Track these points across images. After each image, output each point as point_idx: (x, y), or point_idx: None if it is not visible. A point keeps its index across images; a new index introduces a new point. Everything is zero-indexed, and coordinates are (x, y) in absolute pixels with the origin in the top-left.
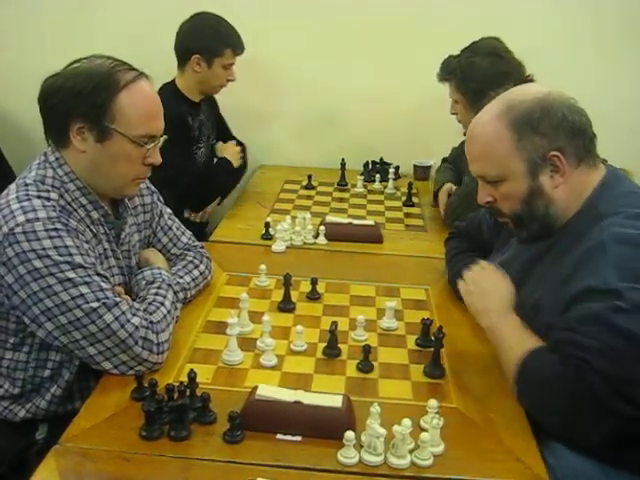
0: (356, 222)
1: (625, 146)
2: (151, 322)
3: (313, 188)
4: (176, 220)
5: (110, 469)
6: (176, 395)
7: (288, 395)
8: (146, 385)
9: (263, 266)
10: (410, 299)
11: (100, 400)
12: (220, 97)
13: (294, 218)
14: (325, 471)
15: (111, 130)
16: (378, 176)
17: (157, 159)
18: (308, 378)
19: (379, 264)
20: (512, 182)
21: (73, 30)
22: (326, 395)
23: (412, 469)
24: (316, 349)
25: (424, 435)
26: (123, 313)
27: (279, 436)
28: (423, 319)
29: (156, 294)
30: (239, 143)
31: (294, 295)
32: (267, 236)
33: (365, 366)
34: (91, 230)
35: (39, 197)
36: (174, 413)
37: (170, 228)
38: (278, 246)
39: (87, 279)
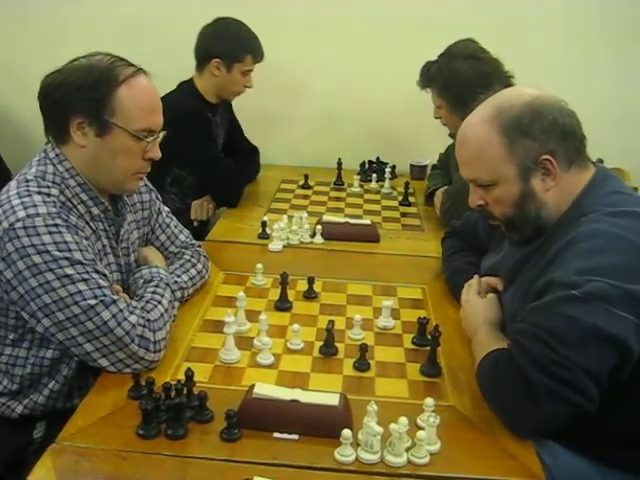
0: (353, 221)
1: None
2: (148, 320)
3: (310, 188)
4: (174, 218)
5: (107, 468)
6: (173, 394)
7: (285, 394)
8: (143, 384)
9: (260, 265)
10: (406, 298)
11: (97, 399)
12: None
13: (291, 217)
14: (322, 469)
15: (111, 124)
16: (374, 176)
17: (157, 154)
18: (305, 377)
19: (376, 263)
20: (504, 186)
21: (72, 30)
22: (323, 393)
23: (409, 467)
24: (313, 348)
25: (420, 433)
26: (120, 311)
27: (276, 434)
28: (419, 318)
29: (154, 292)
30: (252, 147)
31: (291, 294)
32: (264, 235)
33: (362, 365)
34: (90, 226)
35: (40, 193)
36: (171, 412)
37: (168, 226)
38: (275, 245)
39: (85, 276)
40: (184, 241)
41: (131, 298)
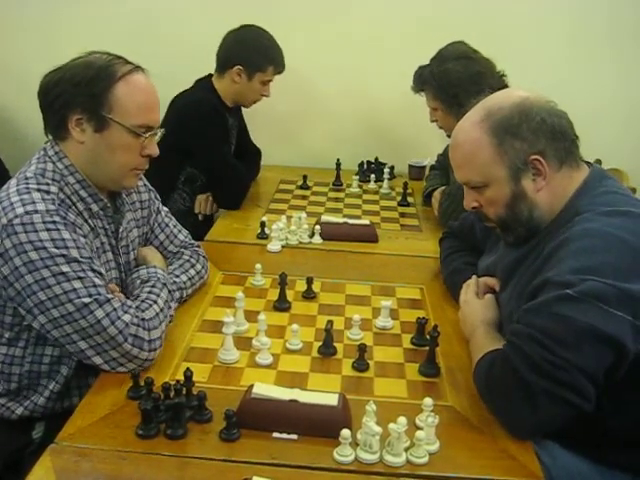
0: (351, 222)
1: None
2: (142, 319)
3: (308, 188)
4: (173, 218)
5: (106, 468)
6: (172, 394)
7: (284, 394)
8: (142, 384)
9: (259, 265)
10: (405, 298)
11: (96, 399)
12: None
13: (290, 218)
14: (321, 469)
15: (109, 120)
16: (373, 176)
17: (154, 150)
18: (304, 377)
19: (374, 263)
20: (495, 187)
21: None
22: (322, 393)
23: (407, 467)
24: (312, 348)
25: (419, 433)
26: (114, 310)
27: (275, 434)
28: (418, 318)
29: (150, 292)
30: (255, 149)
31: (290, 294)
32: (263, 235)
33: (360, 365)
34: (89, 224)
35: (39, 190)
36: (170, 412)
37: (167, 225)
38: (274, 245)
39: (81, 274)
40: (183, 240)
41: (127, 298)
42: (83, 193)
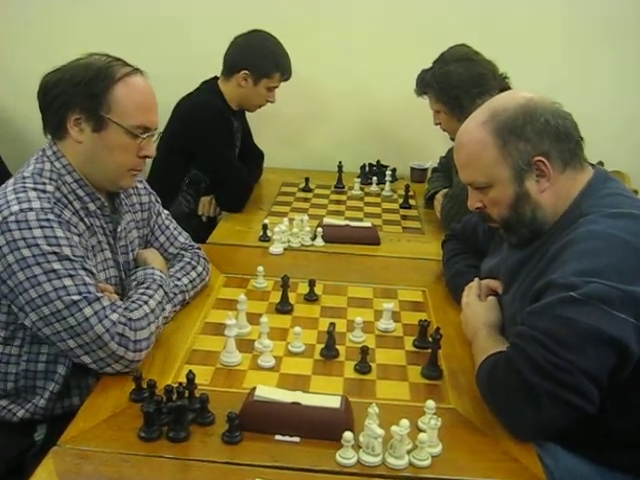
0: (353, 224)
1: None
2: (130, 319)
3: (310, 191)
4: (173, 221)
5: (109, 470)
6: (175, 396)
7: (286, 396)
8: (145, 386)
9: (261, 268)
10: (407, 301)
11: (99, 401)
12: None
13: (292, 220)
14: (323, 472)
15: (107, 120)
16: (375, 178)
17: (151, 151)
18: (306, 379)
19: (376, 266)
20: (499, 188)
21: (71, 31)
22: (324, 396)
23: (410, 469)
24: (314, 350)
25: (422, 436)
26: (103, 308)
27: (278, 437)
28: (420, 320)
29: (142, 293)
30: (258, 151)
31: (292, 297)
32: (265, 238)
33: (363, 367)
34: (85, 222)
35: (35, 189)
36: (173, 414)
37: (167, 227)
38: (276, 248)
39: (72, 272)
40: (183, 242)
41: (121, 299)
42: (80, 192)
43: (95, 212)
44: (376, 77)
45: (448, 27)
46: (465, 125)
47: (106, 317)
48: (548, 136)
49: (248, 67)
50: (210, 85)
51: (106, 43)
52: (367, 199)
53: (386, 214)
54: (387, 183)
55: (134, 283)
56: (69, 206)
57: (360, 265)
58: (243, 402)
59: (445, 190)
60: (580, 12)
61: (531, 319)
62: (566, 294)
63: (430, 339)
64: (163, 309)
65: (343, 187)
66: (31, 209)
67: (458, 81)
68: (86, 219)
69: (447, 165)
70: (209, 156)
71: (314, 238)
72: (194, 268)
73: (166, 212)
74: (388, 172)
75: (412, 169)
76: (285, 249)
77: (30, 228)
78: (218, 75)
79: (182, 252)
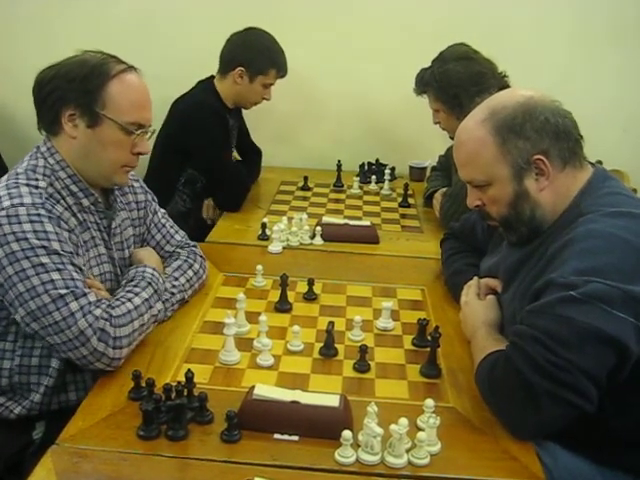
0: (352, 223)
1: (619, 146)
2: (111, 315)
3: (309, 189)
4: (170, 220)
5: (107, 469)
6: (174, 395)
7: (285, 395)
8: (143, 385)
9: (260, 267)
10: (406, 299)
11: (97, 400)
12: None
13: (290, 219)
14: (322, 470)
15: (101, 116)
16: (374, 177)
17: (145, 148)
18: (305, 378)
19: (375, 265)
20: (498, 186)
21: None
22: (323, 395)
23: (409, 468)
24: (313, 349)
25: (421, 434)
26: (89, 304)
27: (276, 436)
28: (419, 319)
29: (129, 291)
30: (256, 149)
31: (291, 295)
32: (264, 237)
33: (362, 366)
34: (78, 218)
35: (27, 185)
36: (171, 413)
37: (164, 226)
38: (275, 247)
39: (60, 266)
40: (180, 241)
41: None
42: (74, 188)
43: (89, 208)
44: (375, 76)
45: (448, 26)
46: (464, 123)
47: (90, 312)
48: (547, 134)
49: (244, 64)
50: (206, 84)
51: (105, 42)
52: (366, 198)
53: (385, 213)
54: (386, 182)
55: (124, 281)
56: (62, 201)
57: (359, 264)
58: (242, 401)
59: (444, 189)
60: (581, 12)
61: (531, 318)
62: (566, 293)
63: (429, 338)
64: (150, 307)
65: (342, 186)
66: (22, 204)
67: (457, 80)
68: (79, 214)
69: (446, 164)
70: (205, 156)
71: (313, 237)
72: (191, 266)
73: (162, 211)
74: (387, 171)
75: (411, 168)
76: (284, 248)
77: (20, 223)
78: (214, 74)
79: (178, 250)
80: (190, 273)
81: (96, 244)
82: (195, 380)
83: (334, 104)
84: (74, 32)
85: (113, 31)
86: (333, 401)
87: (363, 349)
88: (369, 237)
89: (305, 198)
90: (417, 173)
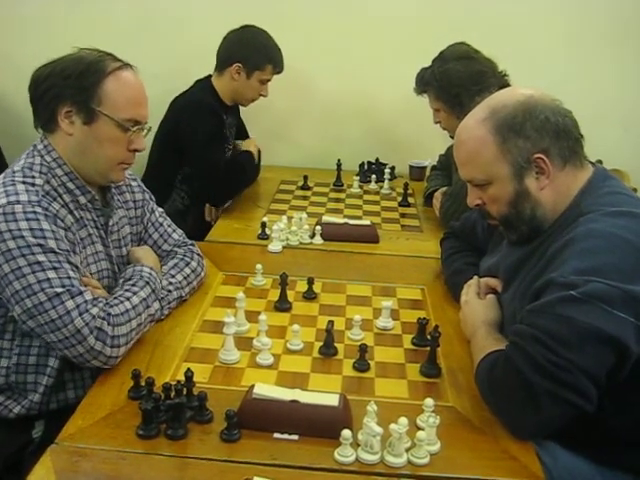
0: (352, 222)
1: (619, 145)
2: (109, 314)
3: (309, 188)
4: (167, 218)
5: (107, 468)
6: (173, 394)
7: (285, 394)
8: (143, 384)
9: (259, 266)
10: (406, 299)
11: (97, 399)
12: None
13: (290, 218)
14: (322, 470)
15: (98, 112)
16: (374, 176)
17: (141, 145)
18: (304, 377)
19: (375, 264)
20: (498, 185)
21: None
22: (323, 394)
23: (408, 467)
24: (312, 348)
25: (420, 434)
26: (85, 302)
27: (276, 435)
28: (419, 319)
29: (127, 290)
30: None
31: (290, 295)
32: (263, 236)
33: (361, 365)
34: (74, 215)
35: (24, 182)
36: (171, 412)
37: (161, 225)
38: (274, 246)
39: (56, 265)
40: (177, 239)
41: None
42: (71, 185)
43: (86, 205)
44: (375, 75)
45: (448, 25)
46: (464, 123)
47: (86, 311)
48: (548, 133)
49: (240, 60)
50: (204, 83)
51: (104, 40)
52: (366, 197)
53: (385, 212)
54: (386, 181)
55: (122, 280)
56: (58, 199)
57: (359, 263)
58: (241, 400)
59: (444, 188)
60: (581, 11)
61: (531, 318)
62: (566, 293)
63: (429, 337)
64: (148, 306)
65: (342, 185)
66: (18, 202)
67: (457, 79)
68: (75, 212)
69: (446, 163)
70: (193, 148)
71: (313, 236)
72: (188, 264)
73: (160, 209)
74: (387, 170)
75: (411, 167)
76: (284, 247)
77: (16, 220)
78: (212, 74)
79: (176, 249)
80: (187, 271)
81: (93, 241)
82: (194, 379)
83: (334, 103)
84: (73, 31)
85: (112, 29)
86: (333, 400)
87: (363, 348)
88: (369, 236)
89: (305, 197)
90: (417, 172)
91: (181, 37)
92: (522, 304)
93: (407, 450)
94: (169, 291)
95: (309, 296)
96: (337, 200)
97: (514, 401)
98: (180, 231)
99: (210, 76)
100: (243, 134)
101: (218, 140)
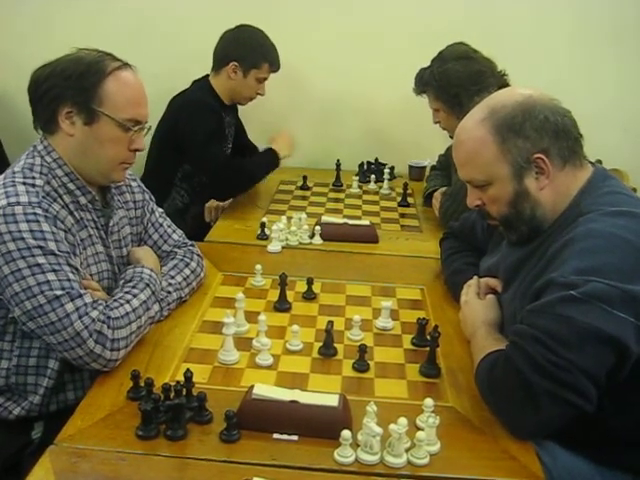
0: (351, 222)
1: (619, 145)
2: (108, 317)
3: (308, 189)
4: (167, 219)
5: (106, 469)
6: (172, 394)
7: (284, 394)
8: (142, 385)
9: (259, 266)
10: (406, 299)
11: (96, 400)
12: None
13: (290, 218)
14: (322, 470)
15: (99, 113)
16: (373, 177)
17: (142, 145)
18: (304, 377)
19: (375, 264)
20: (498, 186)
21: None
22: (322, 394)
23: (408, 468)
24: (312, 349)
25: (420, 434)
26: (85, 305)
27: (275, 435)
28: (419, 319)
29: (127, 292)
30: (253, 147)
31: (290, 295)
32: (263, 236)
33: (361, 365)
34: (74, 216)
35: (24, 183)
36: (170, 412)
37: (161, 225)
38: (274, 246)
39: (56, 267)
40: (177, 240)
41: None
42: (71, 186)
43: (86, 206)
44: (375, 75)
45: (447, 25)
46: (463, 123)
47: (86, 314)
48: (547, 133)
49: (237, 59)
50: (201, 83)
51: (103, 39)
52: (365, 197)
53: (384, 212)
54: (385, 181)
55: (122, 281)
56: (58, 200)
57: (358, 263)
58: (241, 400)
59: (444, 188)
60: (581, 11)
61: (531, 318)
62: (566, 293)
63: (428, 337)
64: (148, 309)
65: (341, 185)
66: (18, 203)
67: (457, 79)
68: (76, 213)
69: (446, 163)
70: (193, 146)
71: (312, 236)
72: (187, 265)
73: (160, 210)
74: (386, 170)
75: (410, 167)
76: (283, 247)
77: (17, 222)
78: (209, 73)
79: (175, 250)
80: (187, 272)
81: (93, 242)
82: (194, 380)
83: (333, 103)
84: (73, 31)
85: (112, 29)
86: (332, 401)
87: (362, 349)
88: (368, 236)
89: (304, 197)
90: (416, 172)
91: (180, 37)
92: (522, 304)
93: (407, 450)
94: (169, 292)
95: (308, 296)
96: (336, 200)
97: (514, 401)
98: (180, 232)
99: (207, 76)
100: (241, 134)
101: (218, 137)
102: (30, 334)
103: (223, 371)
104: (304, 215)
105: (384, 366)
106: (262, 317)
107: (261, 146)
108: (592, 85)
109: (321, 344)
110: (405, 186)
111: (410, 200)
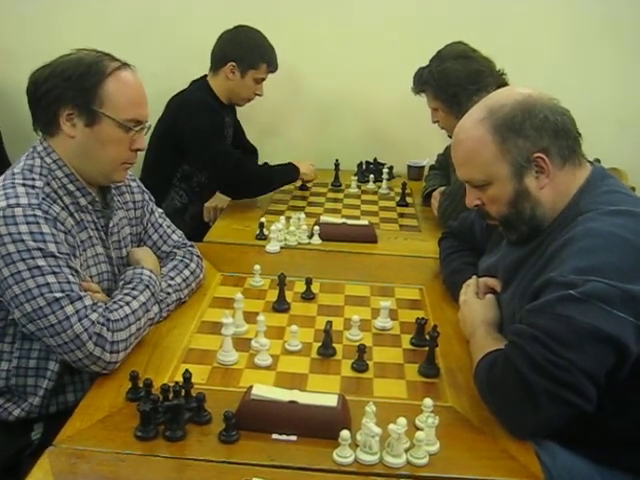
0: (350, 222)
1: (617, 144)
2: (108, 319)
3: (307, 189)
4: (167, 219)
5: (105, 470)
6: (171, 395)
7: (283, 395)
8: (141, 385)
9: (257, 266)
10: (404, 299)
11: (95, 401)
12: None
13: (288, 218)
14: (321, 471)
15: (100, 114)
16: (372, 176)
17: (142, 145)
18: (303, 378)
19: (373, 264)
20: (498, 185)
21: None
22: (321, 394)
23: (408, 468)
24: (311, 349)
25: (419, 434)
26: (84, 307)
27: (274, 436)
28: (417, 318)
29: (126, 294)
30: (252, 148)
31: (289, 295)
32: (261, 236)
33: (360, 365)
34: (75, 217)
35: (24, 185)
36: (169, 413)
37: (161, 225)
38: (272, 246)
39: (56, 269)
40: (177, 241)
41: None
42: (71, 187)
43: (86, 207)
44: (374, 75)
45: (446, 24)
46: (462, 123)
47: (86, 316)
48: (547, 132)
49: (235, 59)
50: (200, 83)
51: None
52: (364, 197)
53: (383, 212)
54: (384, 181)
55: (121, 283)
56: (58, 201)
57: (357, 263)
58: (240, 401)
59: (442, 187)
60: (579, 10)
61: (530, 317)
62: (565, 292)
63: (427, 337)
64: (147, 310)
65: (340, 185)
66: (18, 205)
67: (455, 78)
68: (76, 214)
69: (445, 163)
70: (196, 145)
71: (311, 236)
72: (187, 266)
73: (160, 210)
74: (385, 170)
75: (409, 167)
76: (282, 247)
77: (16, 224)
78: (207, 73)
79: (175, 250)
80: (186, 273)
81: (93, 243)
82: (193, 380)
83: (332, 103)
84: (73, 30)
85: (111, 29)
86: (331, 401)
87: (361, 349)
88: (367, 236)
89: (303, 197)
90: (415, 172)
91: (180, 37)
92: (521, 304)
93: (406, 450)
94: (168, 293)
95: (307, 296)
96: (335, 200)
97: (513, 401)
98: (180, 232)
99: (206, 76)
100: (240, 134)
101: (217, 131)
102: (30, 336)
103: (222, 372)
104: (303, 215)
105: (383, 366)
106: (261, 317)
107: (261, 146)
108: (590, 84)
109: (320, 344)
110: (404, 186)
111: (409, 200)
